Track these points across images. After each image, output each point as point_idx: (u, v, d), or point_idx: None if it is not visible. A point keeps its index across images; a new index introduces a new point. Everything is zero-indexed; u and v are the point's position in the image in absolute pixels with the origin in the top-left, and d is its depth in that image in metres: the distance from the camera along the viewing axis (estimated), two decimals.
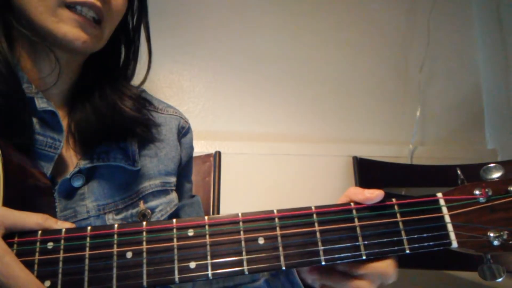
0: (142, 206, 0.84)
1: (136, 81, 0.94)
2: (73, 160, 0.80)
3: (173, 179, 0.92)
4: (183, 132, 0.99)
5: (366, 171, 1.86)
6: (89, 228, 0.60)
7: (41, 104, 0.74)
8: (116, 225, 0.61)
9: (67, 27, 0.71)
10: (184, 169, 1.00)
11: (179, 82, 2.01)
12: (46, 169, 0.74)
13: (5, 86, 0.70)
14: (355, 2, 2.17)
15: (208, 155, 1.70)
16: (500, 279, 0.61)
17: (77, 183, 0.78)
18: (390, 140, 2.08)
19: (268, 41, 2.08)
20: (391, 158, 1.95)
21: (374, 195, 0.64)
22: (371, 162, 1.89)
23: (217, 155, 1.69)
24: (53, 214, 0.73)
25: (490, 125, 2.15)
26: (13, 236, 0.58)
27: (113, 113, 0.82)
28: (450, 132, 2.13)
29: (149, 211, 0.84)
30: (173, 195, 0.92)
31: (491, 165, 0.65)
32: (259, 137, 1.99)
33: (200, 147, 1.86)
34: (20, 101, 0.72)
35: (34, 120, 0.75)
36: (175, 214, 0.92)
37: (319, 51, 2.11)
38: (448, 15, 2.22)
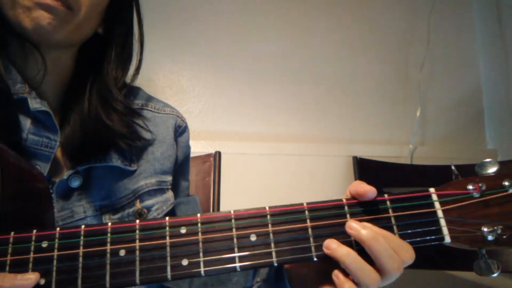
0: (138, 205, 0.84)
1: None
2: (68, 161, 0.80)
3: (169, 178, 0.92)
4: (180, 131, 0.99)
5: (366, 171, 1.86)
6: (83, 226, 0.60)
7: (34, 104, 0.74)
8: (109, 223, 0.61)
9: (33, 13, 0.69)
10: (180, 167, 0.99)
11: (179, 82, 2.01)
12: (43, 169, 0.75)
13: None
14: (355, 2, 2.17)
15: (208, 155, 1.70)
16: (495, 274, 0.60)
17: (74, 183, 0.78)
18: (390, 140, 2.08)
19: (268, 41, 2.08)
20: (391, 158, 1.95)
21: (363, 189, 0.63)
22: (371, 162, 1.89)
23: (217, 155, 1.69)
24: (51, 215, 0.73)
25: (490, 125, 2.15)
26: (9, 232, 0.58)
27: (99, 129, 0.81)
28: (450, 132, 2.13)
29: (145, 210, 0.84)
30: (169, 194, 0.91)
31: (486, 160, 0.64)
32: (259, 137, 1.99)
33: (200, 147, 1.86)
34: (8, 102, 0.72)
35: (29, 120, 0.75)
36: (171, 213, 0.92)
37: (319, 51, 2.11)
38: (448, 15, 2.22)
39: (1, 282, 0.54)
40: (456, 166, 0.70)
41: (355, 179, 1.82)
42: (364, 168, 1.87)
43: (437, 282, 1.89)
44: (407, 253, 0.59)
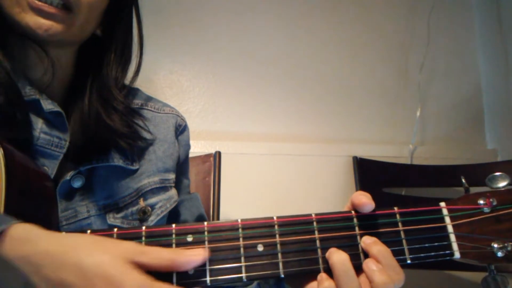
0: (142, 203, 0.85)
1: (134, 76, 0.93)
2: (72, 162, 0.80)
3: (172, 176, 0.93)
4: (180, 129, 1.00)
5: (366, 171, 1.86)
6: (88, 231, 0.60)
7: (47, 105, 0.75)
8: (115, 229, 0.60)
9: (29, 16, 0.70)
10: (182, 166, 1.00)
11: (179, 82, 2.00)
12: (51, 168, 0.75)
13: (5, 94, 0.70)
14: (355, 2, 2.17)
15: (208, 155, 1.69)
16: None
17: (77, 184, 0.79)
18: (390, 140, 2.08)
19: (268, 41, 2.08)
20: (391, 158, 1.95)
21: (359, 201, 0.64)
22: (371, 162, 1.89)
23: (217, 155, 1.68)
24: (56, 215, 0.73)
25: (490, 125, 2.15)
26: None
27: (99, 129, 0.81)
28: (450, 132, 2.13)
29: (149, 208, 0.85)
30: (173, 192, 0.92)
31: (497, 174, 0.64)
32: (259, 137, 1.98)
33: (200, 147, 1.86)
34: (19, 102, 0.72)
35: (40, 120, 0.76)
36: (175, 210, 0.93)
37: (319, 51, 2.11)
38: (448, 15, 2.21)
39: (174, 256, 0.55)
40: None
41: (355, 179, 1.82)
42: (364, 168, 1.87)
43: (437, 282, 1.89)
44: (397, 276, 0.60)
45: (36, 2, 0.69)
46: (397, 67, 2.16)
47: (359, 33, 2.15)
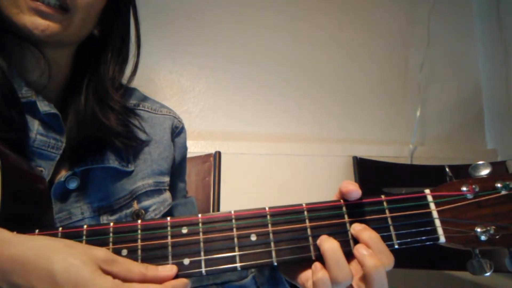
0: (135, 206, 0.84)
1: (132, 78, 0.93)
2: (67, 163, 0.80)
3: (166, 179, 0.92)
4: (177, 131, 0.99)
5: (366, 171, 1.86)
6: (85, 226, 0.61)
7: (43, 107, 0.75)
8: (111, 223, 0.61)
9: (26, 17, 0.70)
10: (177, 169, 0.99)
11: (179, 82, 2.01)
12: (48, 170, 0.75)
13: (1, 94, 0.70)
14: (356, 2, 2.18)
15: (208, 155, 1.70)
16: (488, 273, 0.62)
17: (71, 185, 0.78)
18: (390, 140, 2.08)
19: (269, 41, 2.09)
20: (391, 158, 1.96)
21: (346, 189, 0.65)
22: (371, 162, 1.89)
23: (217, 155, 1.69)
24: (51, 215, 0.73)
25: (490, 125, 2.15)
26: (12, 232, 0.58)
27: (95, 128, 0.81)
28: (450, 132, 2.14)
29: (142, 211, 0.84)
30: (167, 195, 0.91)
31: (479, 162, 0.66)
32: (259, 137, 1.99)
33: (200, 147, 1.86)
34: (16, 103, 0.72)
35: (36, 121, 0.75)
36: (169, 214, 0.92)
37: (319, 51, 2.12)
38: (448, 15, 2.22)
39: (144, 271, 0.56)
40: (454, 166, 0.71)
41: (355, 179, 1.83)
42: (364, 168, 1.87)
43: (437, 282, 1.89)
44: (387, 259, 0.60)
45: (33, 2, 0.69)
46: (397, 67, 2.16)
47: (359, 33, 2.16)
